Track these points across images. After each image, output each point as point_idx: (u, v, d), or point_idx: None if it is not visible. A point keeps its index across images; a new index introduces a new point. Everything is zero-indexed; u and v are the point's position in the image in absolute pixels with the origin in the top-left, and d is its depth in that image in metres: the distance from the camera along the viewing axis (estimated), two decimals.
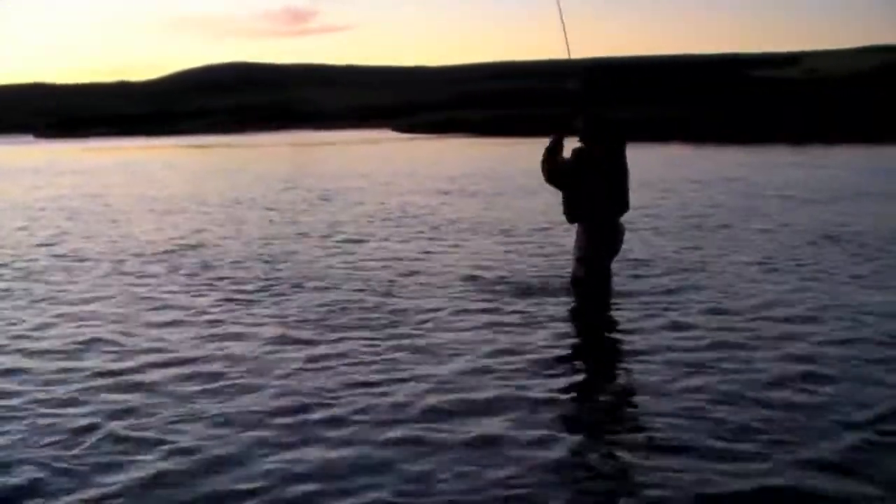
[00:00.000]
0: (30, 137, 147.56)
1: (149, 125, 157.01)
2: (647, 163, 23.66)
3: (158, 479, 4.66)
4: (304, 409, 5.63)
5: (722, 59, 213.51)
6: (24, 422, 5.54)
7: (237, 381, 6.22)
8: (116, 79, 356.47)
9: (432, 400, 5.75)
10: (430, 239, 13.47)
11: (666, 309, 8.13)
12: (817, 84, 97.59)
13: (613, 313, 8.21)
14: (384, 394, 5.90)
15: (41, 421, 5.54)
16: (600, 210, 8.67)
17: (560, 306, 8.44)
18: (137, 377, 6.40)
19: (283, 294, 9.34)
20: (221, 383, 6.20)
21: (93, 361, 6.86)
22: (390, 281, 9.92)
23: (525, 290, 9.17)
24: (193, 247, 13.08)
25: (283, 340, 7.36)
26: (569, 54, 9.42)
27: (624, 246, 9.15)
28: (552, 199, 9.91)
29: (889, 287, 8.94)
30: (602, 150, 8.58)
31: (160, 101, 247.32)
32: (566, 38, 9.20)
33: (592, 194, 8.58)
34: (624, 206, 8.76)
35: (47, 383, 6.31)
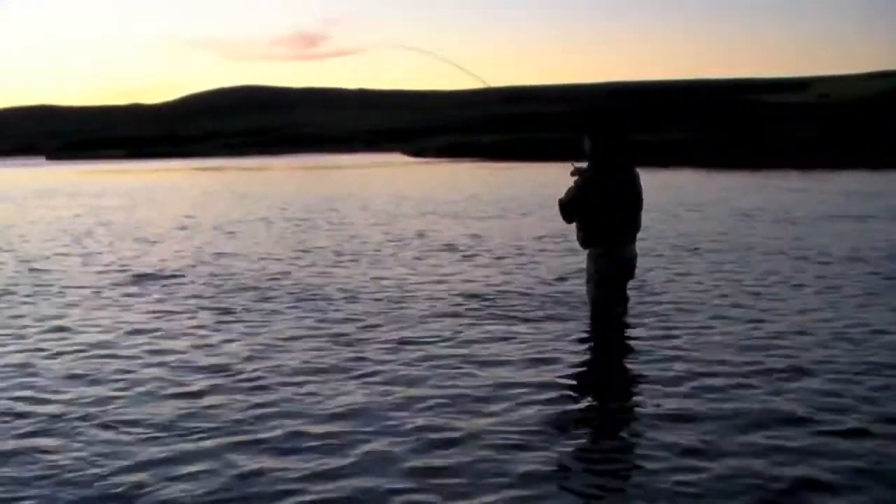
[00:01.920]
0: (41, 159, 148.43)
1: (160, 147, 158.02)
2: (646, 188, 23.51)
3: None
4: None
5: (733, 83, 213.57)
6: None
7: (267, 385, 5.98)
8: (128, 101, 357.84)
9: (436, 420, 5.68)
10: (430, 259, 13.42)
11: (676, 328, 8.28)
12: (828, 109, 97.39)
13: (629, 332, 8.24)
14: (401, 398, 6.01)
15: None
16: (611, 234, 8.48)
17: (567, 325, 8.47)
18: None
19: (279, 310, 9.45)
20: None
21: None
22: (393, 298, 10.02)
23: (528, 311, 9.22)
24: (192, 266, 13.17)
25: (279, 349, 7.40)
26: (486, 83, 9.89)
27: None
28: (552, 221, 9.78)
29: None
30: (608, 173, 8.40)
31: (171, 124, 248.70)
32: (472, 72, 9.78)
33: (602, 219, 8.40)
34: (635, 228, 8.60)
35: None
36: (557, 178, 8.69)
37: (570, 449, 5.20)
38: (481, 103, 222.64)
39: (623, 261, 8.56)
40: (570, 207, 8.56)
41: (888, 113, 66.48)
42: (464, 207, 23.32)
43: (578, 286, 9.52)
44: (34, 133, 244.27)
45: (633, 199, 8.49)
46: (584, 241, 8.64)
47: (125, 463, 5.05)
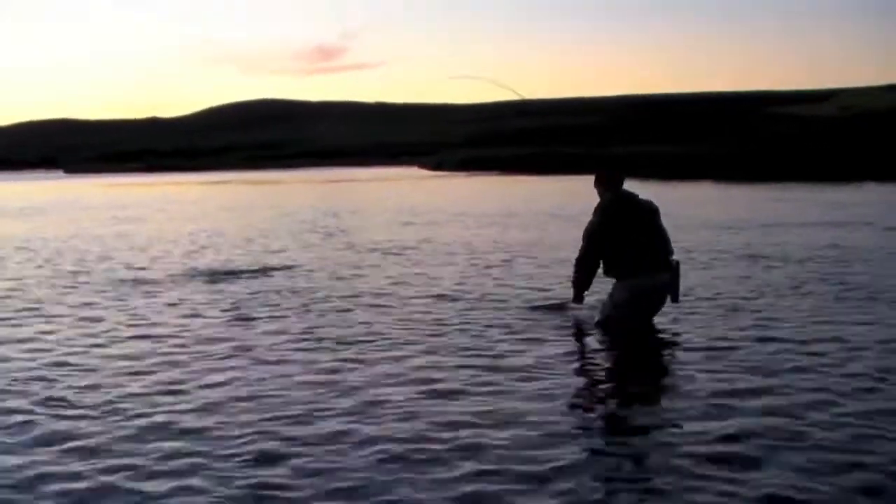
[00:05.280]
0: (60, 173, 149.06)
1: (179, 161, 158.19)
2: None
3: None
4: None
5: (753, 96, 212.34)
6: None
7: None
8: (146, 115, 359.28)
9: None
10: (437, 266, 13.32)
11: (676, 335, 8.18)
12: (850, 121, 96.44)
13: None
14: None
15: None
16: (631, 264, 8.47)
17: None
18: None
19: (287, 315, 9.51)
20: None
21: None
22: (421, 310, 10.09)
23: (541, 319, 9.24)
24: (212, 273, 13.66)
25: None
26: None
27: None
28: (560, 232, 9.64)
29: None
30: (616, 212, 8.56)
31: (190, 138, 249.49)
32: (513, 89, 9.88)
33: (618, 253, 8.51)
34: (660, 254, 8.53)
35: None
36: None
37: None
38: (500, 116, 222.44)
39: (646, 289, 8.46)
40: (584, 262, 8.71)
41: None
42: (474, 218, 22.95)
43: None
44: (53, 146, 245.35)
45: (648, 227, 8.46)
46: (607, 272, 8.69)
47: None
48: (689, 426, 5.71)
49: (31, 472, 5.23)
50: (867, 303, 9.79)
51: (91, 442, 5.74)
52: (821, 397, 6.25)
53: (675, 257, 8.63)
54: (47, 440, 5.81)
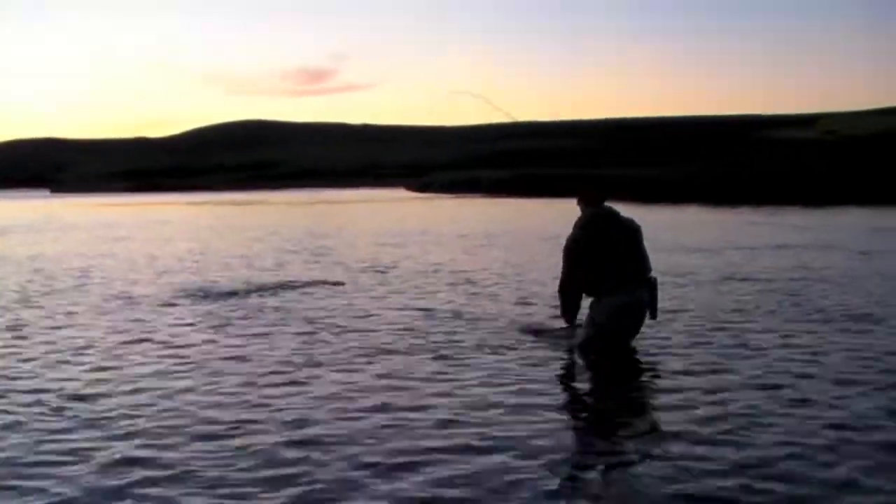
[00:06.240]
0: (46, 192, 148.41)
1: (166, 181, 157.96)
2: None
3: None
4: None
5: (740, 119, 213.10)
6: None
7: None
8: (134, 135, 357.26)
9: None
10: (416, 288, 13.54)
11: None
12: (835, 145, 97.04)
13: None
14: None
15: None
16: (606, 281, 8.57)
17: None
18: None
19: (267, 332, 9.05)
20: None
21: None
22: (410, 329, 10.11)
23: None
24: (204, 295, 13.51)
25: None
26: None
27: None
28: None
29: None
30: (593, 227, 8.67)
31: (177, 158, 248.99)
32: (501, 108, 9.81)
33: (595, 269, 8.59)
34: (639, 270, 8.67)
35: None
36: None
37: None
38: (487, 139, 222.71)
39: (626, 306, 8.59)
40: (567, 284, 8.77)
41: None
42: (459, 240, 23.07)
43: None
44: (40, 165, 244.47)
45: (628, 243, 8.60)
46: (588, 290, 8.76)
47: None
48: (673, 444, 5.89)
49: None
50: (827, 324, 10.07)
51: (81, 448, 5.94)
52: (803, 412, 6.54)
53: (653, 274, 8.83)
54: (34, 450, 6.01)
